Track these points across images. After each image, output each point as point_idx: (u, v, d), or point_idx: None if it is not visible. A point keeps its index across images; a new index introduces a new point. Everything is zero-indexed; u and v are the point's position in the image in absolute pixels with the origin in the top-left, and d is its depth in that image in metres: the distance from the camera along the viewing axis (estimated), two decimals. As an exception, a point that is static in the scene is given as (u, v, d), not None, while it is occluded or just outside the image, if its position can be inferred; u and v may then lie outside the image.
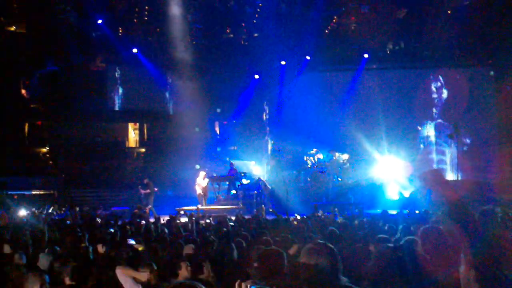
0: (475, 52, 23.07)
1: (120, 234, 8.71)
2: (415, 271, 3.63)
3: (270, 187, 20.25)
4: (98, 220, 12.91)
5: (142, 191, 19.69)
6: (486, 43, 22.69)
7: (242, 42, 23.96)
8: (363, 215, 12.38)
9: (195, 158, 22.65)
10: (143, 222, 11.83)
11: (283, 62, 23.69)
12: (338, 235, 7.21)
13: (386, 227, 8.15)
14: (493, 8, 21.30)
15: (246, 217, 12.98)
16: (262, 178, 21.00)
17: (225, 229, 9.45)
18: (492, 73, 23.76)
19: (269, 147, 24.85)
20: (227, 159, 22.77)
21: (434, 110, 24.08)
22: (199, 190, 19.62)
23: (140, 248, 6.70)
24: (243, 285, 3.01)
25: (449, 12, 22.22)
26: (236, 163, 22.36)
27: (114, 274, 5.23)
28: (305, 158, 23.17)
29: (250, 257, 5.36)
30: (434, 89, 24.11)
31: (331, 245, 3.27)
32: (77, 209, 16.62)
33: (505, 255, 2.05)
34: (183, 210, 17.14)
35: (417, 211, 12.48)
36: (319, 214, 14.34)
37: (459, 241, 3.43)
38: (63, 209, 17.24)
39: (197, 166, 22.09)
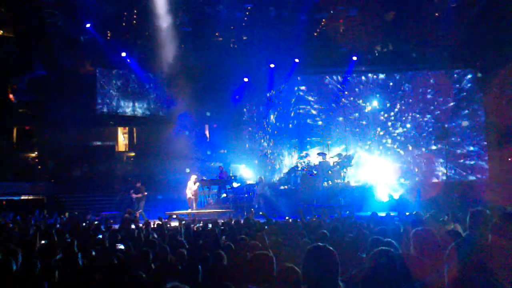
0: (463, 54, 23.24)
1: (109, 239, 8.65)
2: (405, 274, 3.63)
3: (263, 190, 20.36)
4: (84, 225, 12.79)
5: (134, 195, 19.55)
6: (473, 45, 22.86)
7: (231, 46, 23.97)
8: (354, 217, 12.37)
9: (185, 162, 22.59)
10: (133, 226, 11.75)
11: (272, 65, 23.74)
12: (328, 238, 7.21)
13: (375, 229, 8.15)
14: (480, 10, 21.48)
15: (236, 220, 12.94)
16: (262, 178, 21.17)
17: (215, 233, 9.41)
18: (479, 74, 23.96)
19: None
20: (216, 163, 22.77)
21: (422, 112, 24.22)
22: (189, 194, 19.57)
23: None
24: None
25: (436, 14, 22.43)
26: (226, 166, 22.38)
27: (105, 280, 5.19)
28: (295, 161, 23.22)
29: (240, 261, 5.35)
30: (422, 91, 24.26)
31: (331, 248, 3.26)
32: (67, 214, 16.50)
33: (494, 260, 2.05)
34: (174, 214, 17.06)
35: (407, 213, 12.50)
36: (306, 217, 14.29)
37: (447, 243, 3.45)
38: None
39: (187, 170, 22.03)
